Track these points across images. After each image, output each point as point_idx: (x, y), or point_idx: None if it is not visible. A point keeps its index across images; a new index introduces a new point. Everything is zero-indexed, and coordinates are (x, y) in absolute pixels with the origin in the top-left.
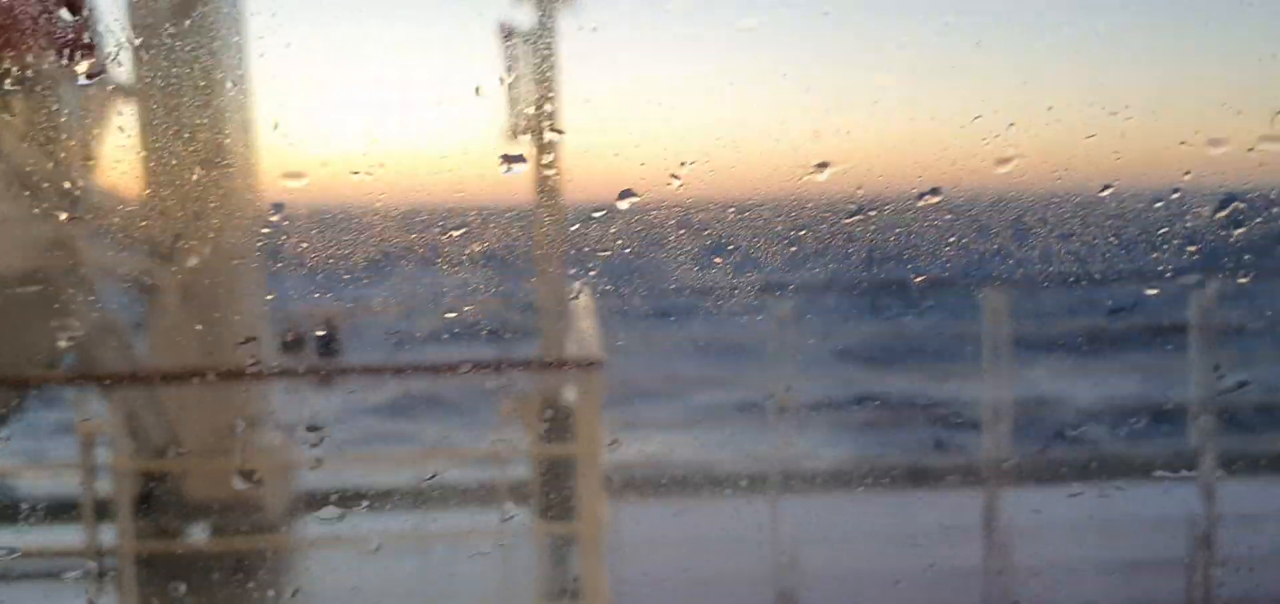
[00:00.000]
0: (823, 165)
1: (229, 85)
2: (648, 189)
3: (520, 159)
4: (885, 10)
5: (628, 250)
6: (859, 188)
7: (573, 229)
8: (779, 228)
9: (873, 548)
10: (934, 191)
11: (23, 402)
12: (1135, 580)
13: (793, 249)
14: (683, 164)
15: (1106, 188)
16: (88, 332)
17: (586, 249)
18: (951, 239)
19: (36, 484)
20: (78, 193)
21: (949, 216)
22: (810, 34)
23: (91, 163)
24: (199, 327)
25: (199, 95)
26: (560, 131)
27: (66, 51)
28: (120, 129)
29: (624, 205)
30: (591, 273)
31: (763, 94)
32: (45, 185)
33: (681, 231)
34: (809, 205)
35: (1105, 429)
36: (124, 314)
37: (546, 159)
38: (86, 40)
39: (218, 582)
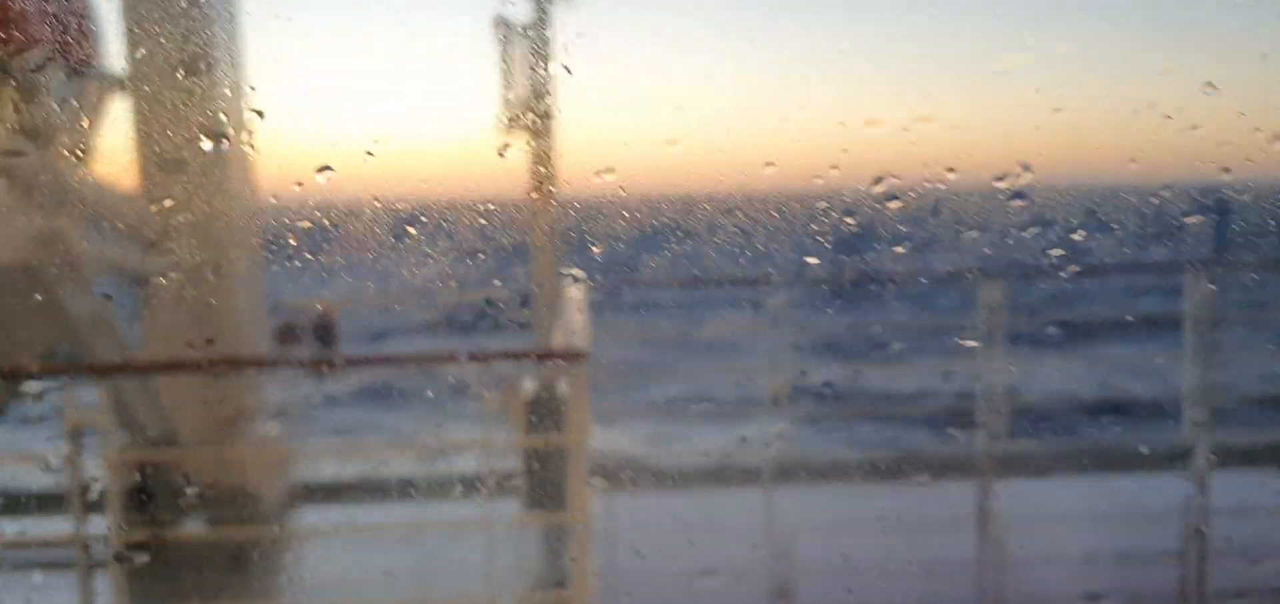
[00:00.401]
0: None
1: (223, 78)
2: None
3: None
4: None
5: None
6: None
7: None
8: None
9: None
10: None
11: (16, 393)
12: None
13: None
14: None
15: (769, 164)
16: (81, 323)
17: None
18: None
19: (29, 476)
20: (71, 185)
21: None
22: None
23: (86, 155)
24: (193, 318)
25: (193, 88)
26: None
27: (62, 44)
28: (115, 121)
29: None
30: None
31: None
32: (39, 177)
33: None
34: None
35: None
36: (117, 306)
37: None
38: (82, 33)
39: (209, 572)
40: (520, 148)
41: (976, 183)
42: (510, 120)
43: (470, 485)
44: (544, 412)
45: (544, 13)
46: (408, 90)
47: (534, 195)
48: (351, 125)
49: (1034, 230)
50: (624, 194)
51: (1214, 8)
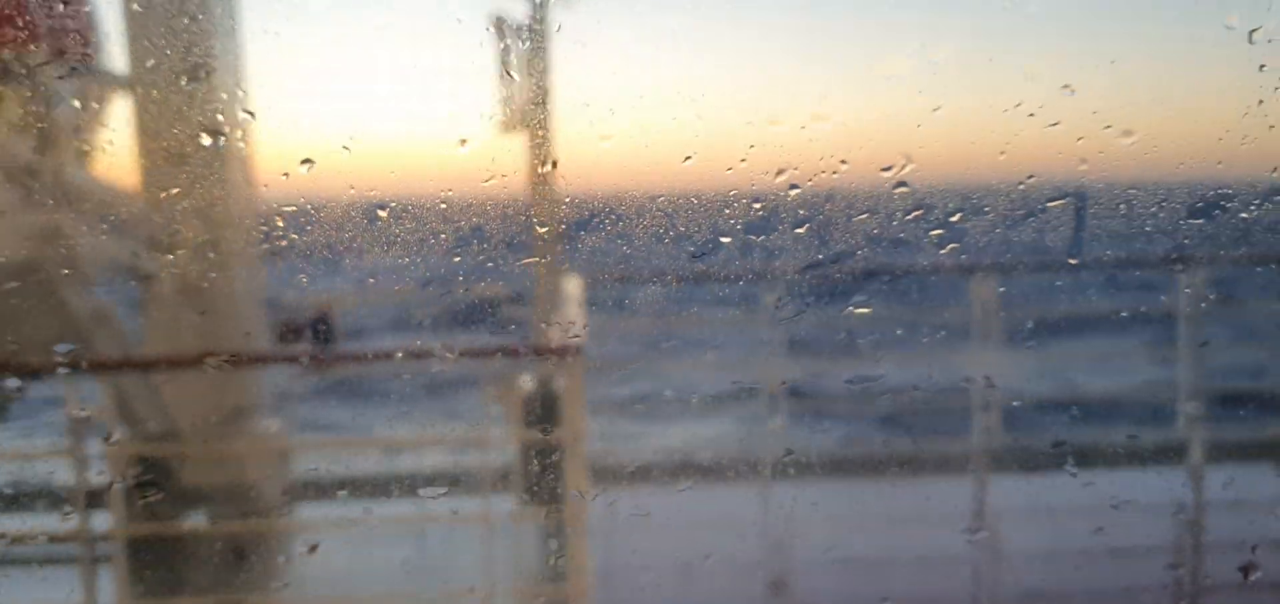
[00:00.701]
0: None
1: (223, 75)
2: None
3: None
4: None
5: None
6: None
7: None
8: None
9: None
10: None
11: (19, 390)
12: None
13: None
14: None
15: (687, 158)
16: (83, 321)
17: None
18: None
19: (31, 471)
20: (72, 183)
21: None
22: None
23: (86, 153)
24: (194, 315)
25: (193, 85)
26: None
27: (62, 42)
28: (115, 119)
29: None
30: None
31: None
32: (40, 176)
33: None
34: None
35: None
36: (119, 303)
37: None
38: (82, 30)
39: (211, 566)
40: (517, 143)
41: (866, 173)
42: (505, 117)
43: (466, 480)
44: (540, 406)
45: (542, 10)
46: (400, 89)
47: (530, 190)
48: (340, 123)
49: (917, 213)
50: (566, 185)
51: (1070, 20)
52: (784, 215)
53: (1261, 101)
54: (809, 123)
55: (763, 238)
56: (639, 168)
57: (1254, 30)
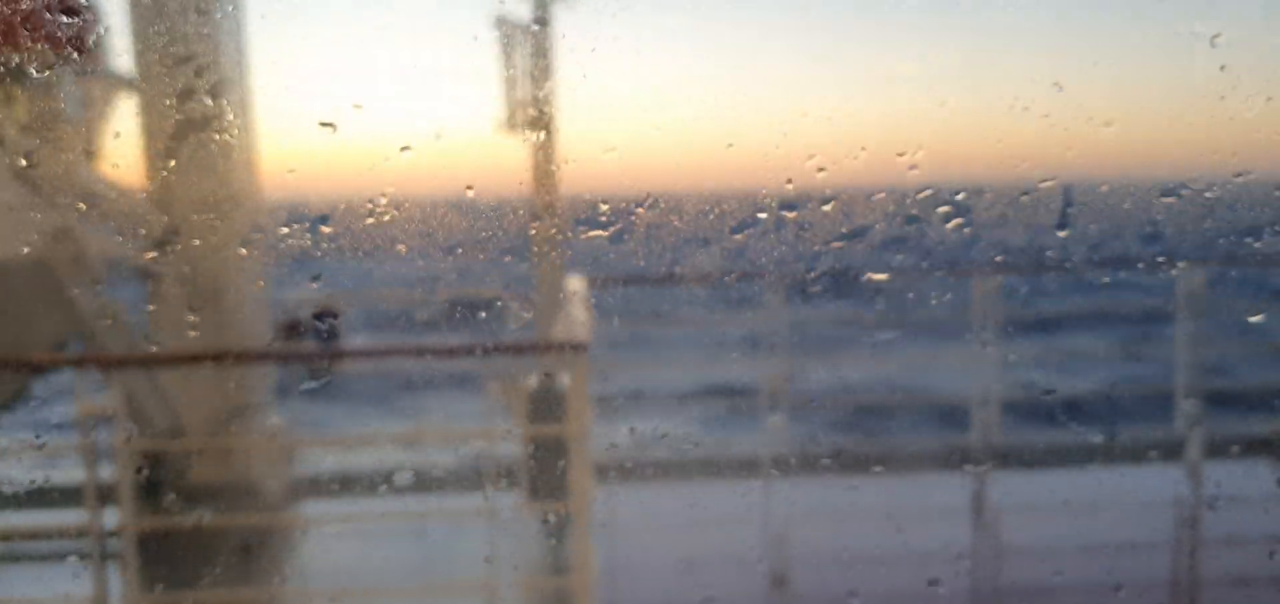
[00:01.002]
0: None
1: (228, 76)
2: None
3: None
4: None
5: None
6: None
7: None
8: None
9: None
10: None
11: (26, 386)
12: None
13: None
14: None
15: (730, 145)
16: (89, 318)
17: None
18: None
19: (38, 468)
20: (79, 182)
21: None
22: None
23: (93, 153)
24: (199, 313)
25: (198, 86)
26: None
27: (69, 43)
28: (121, 119)
29: None
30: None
31: None
32: (47, 175)
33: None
34: None
35: None
36: (125, 300)
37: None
38: (88, 32)
39: (217, 562)
40: (522, 143)
41: (882, 157)
42: (512, 117)
43: (472, 476)
44: (545, 403)
45: (545, 13)
46: (409, 87)
47: (536, 190)
48: (348, 119)
49: (927, 192)
50: (624, 164)
51: (1058, 25)
52: (812, 192)
53: (1223, 97)
54: (833, 115)
55: (795, 213)
56: (686, 153)
57: (1215, 35)
